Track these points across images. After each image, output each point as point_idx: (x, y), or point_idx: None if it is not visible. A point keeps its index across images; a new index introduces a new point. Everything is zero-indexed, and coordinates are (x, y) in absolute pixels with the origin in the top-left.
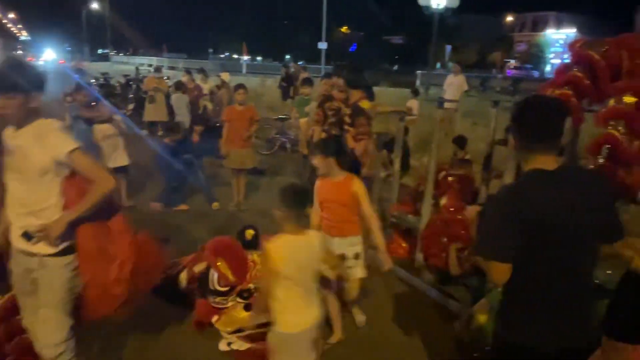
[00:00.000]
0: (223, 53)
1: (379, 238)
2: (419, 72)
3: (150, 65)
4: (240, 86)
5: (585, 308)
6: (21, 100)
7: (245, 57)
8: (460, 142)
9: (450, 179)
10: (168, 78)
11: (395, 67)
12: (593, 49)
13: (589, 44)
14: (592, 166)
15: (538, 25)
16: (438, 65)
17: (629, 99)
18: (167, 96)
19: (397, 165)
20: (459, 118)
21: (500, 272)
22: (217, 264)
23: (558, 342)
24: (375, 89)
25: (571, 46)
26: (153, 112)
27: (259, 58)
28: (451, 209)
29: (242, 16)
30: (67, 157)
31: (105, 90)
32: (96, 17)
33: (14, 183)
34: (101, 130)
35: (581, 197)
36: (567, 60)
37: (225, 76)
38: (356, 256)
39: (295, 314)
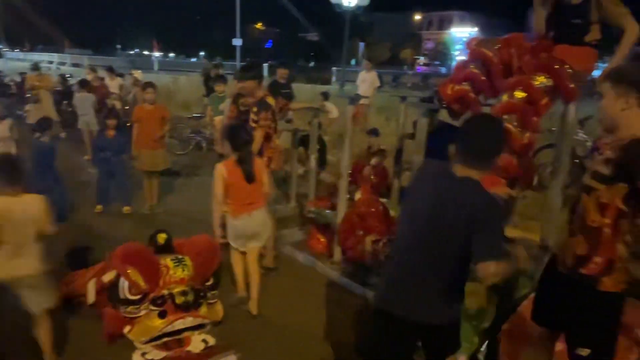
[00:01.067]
0: (132, 49)
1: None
2: (334, 68)
3: (50, 62)
4: (148, 84)
5: (436, 288)
6: None
7: (157, 54)
8: (375, 132)
9: (366, 170)
10: (71, 76)
11: (312, 64)
12: (487, 47)
13: (483, 42)
14: None
15: (444, 24)
16: (353, 61)
17: (519, 94)
18: (65, 94)
19: (312, 161)
20: (373, 113)
21: None
22: (127, 271)
23: (405, 312)
24: (293, 85)
25: (468, 44)
26: (38, 113)
27: (171, 54)
28: (366, 203)
29: (153, 10)
30: None
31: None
32: None
33: None
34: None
35: (455, 203)
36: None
37: (138, 74)
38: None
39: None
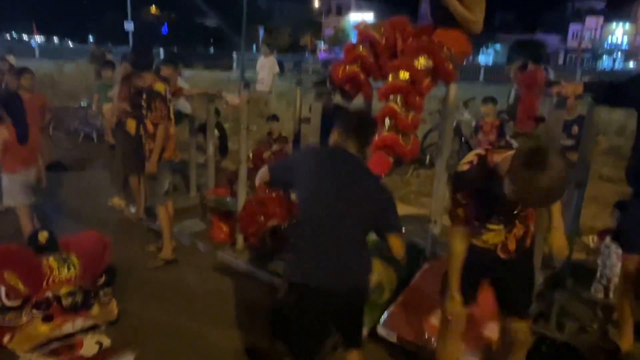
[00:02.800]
0: (8, 32)
1: None
2: (234, 53)
3: None
4: (24, 70)
5: (344, 260)
6: None
7: (38, 38)
8: (275, 118)
9: (266, 156)
10: None
11: (211, 50)
12: (374, 30)
13: (371, 25)
14: (377, 136)
15: (342, 10)
16: (254, 47)
17: (403, 75)
18: None
19: (210, 149)
20: (273, 99)
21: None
22: (4, 276)
23: (319, 282)
24: (191, 72)
25: (357, 27)
26: None
27: (55, 39)
28: (265, 188)
29: None
30: None
31: None
32: None
33: None
34: None
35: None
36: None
37: (12, 59)
38: None
39: None
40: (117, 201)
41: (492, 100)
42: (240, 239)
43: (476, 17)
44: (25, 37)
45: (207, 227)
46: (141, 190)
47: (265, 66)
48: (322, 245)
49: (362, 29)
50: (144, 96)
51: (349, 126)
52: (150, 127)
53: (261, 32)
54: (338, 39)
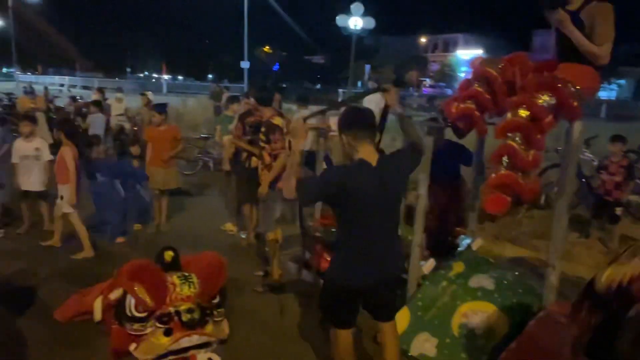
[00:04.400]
0: (142, 72)
1: None
2: (340, 90)
3: (61, 85)
4: (157, 106)
5: (386, 255)
6: None
7: (166, 76)
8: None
9: None
10: (81, 98)
11: (318, 86)
12: (490, 66)
13: (487, 61)
14: (494, 175)
15: (449, 46)
16: (359, 84)
17: (523, 113)
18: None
19: None
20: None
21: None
22: (134, 288)
23: (364, 281)
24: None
25: (472, 64)
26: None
27: (180, 77)
28: None
29: (163, 34)
30: None
31: (11, 111)
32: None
33: None
34: (19, 149)
35: (386, 175)
36: (469, 77)
37: (149, 95)
38: None
39: None
40: (229, 226)
41: (621, 138)
42: None
43: (604, 51)
44: (155, 75)
45: (311, 256)
46: (253, 218)
47: (372, 102)
48: (371, 245)
49: (477, 65)
50: (263, 129)
51: (364, 129)
52: (267, 157)
53: (367, 68)
54: (444, 75)
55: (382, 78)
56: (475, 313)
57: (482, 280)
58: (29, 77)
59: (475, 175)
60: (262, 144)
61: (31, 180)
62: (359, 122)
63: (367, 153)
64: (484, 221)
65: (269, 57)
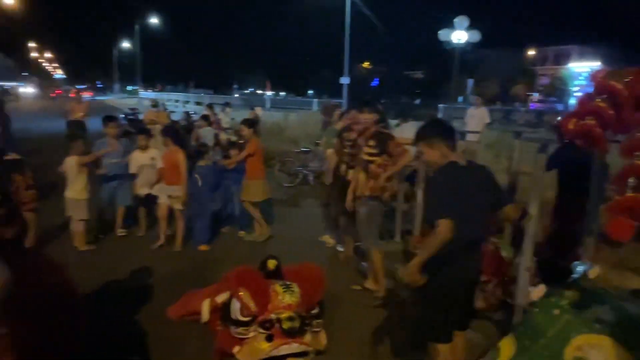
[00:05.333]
0: (247, 89)
1: None
2: (441, 105)
3: (177, 101)
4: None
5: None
6: None
7: (269, 92)
8: None
9: None
10: (195, 113)
11: (417, 101)
12: (616, 79)
13: (611, 74)
14: (618, 197)
15: (560, 59)
16: (460, 98)
17: None
18: (189, 129)
19: (419, 196)
20: (482, 150)
21: (450, 229)
22: (240, 293)
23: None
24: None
25: (594, 77)
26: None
27: (282, 93)
28: None
29: (266, 53)
30: None
31: (135, 124)
32: (127, 55)
33: None
34: (137, 158)
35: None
36: (590, 91)
37: (259, 110)
38: None
39: None
40: (327, 238)
41: None
42: None
43: None
44: (259, 91)
45: None
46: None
47: (476, 116)
48: (470, 242)
49: (600, 79)
50: (373, 141)
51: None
52: (375, 169)
53: (470, 82)
54: (555, 89)
55: (486, 93)
56: (592, 347)
57: (601, 312)
58: (149, 93)
59: (595, 197)
60: (369, 157)
61: (146, 185)
62: (447, 130)
63: (457, 157)
64: (603, 247)
65: (368, 73)
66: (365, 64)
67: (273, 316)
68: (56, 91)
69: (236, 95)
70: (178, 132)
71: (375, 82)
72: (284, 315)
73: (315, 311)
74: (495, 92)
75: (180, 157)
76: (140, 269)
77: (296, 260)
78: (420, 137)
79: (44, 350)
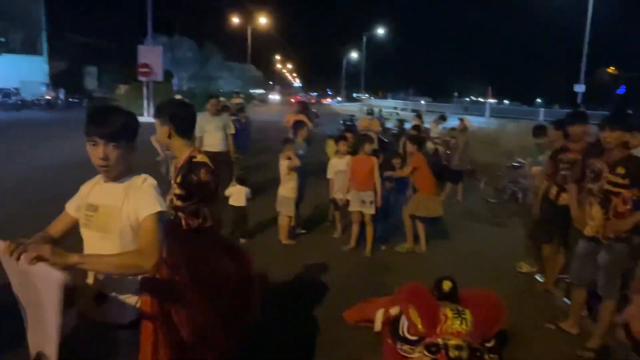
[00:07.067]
0: (467, 96)
1: None
2: None
3: (395, 108)
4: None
5: None
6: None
7: (491, 100)
8: None
9: None
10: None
11: None
12: None
13: None
14: None
15: None
16: None
17: None
18: (397, 137)
19: None
20: None
21: None
22: (409, 310)
23: None
24: None
25: None
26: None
27: (506, 101)
28: None
29: (489, 59)
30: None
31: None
32: (353, 64)
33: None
34: (335, 164)
35: None
36: None
37: (467, 121)
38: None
39: None
40: (525, 265)
41: None
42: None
43: None
44: (480, 99)
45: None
46: (556, 261)
47: None
48: None
49: None
50: (623, 168)
51: None
52: (620, 203)
53: None
54: None
55: None
56: None
57: None
58: (370, 100)
59: None
60: (614, 187)
61: (341, 190)
62: None
63: None
64: None
65: (613, 79)
66: (611, 69)
67: (440, 341)
68: (296, 97)
69: (454, 103)
70: (370, 140)
71: (621, 90)
72: (452, 342)
73: (490, 344)
74: None
75: (374, 163)
76: (327, 268)
77: (478, 284)
78: None
79: (213, 329)
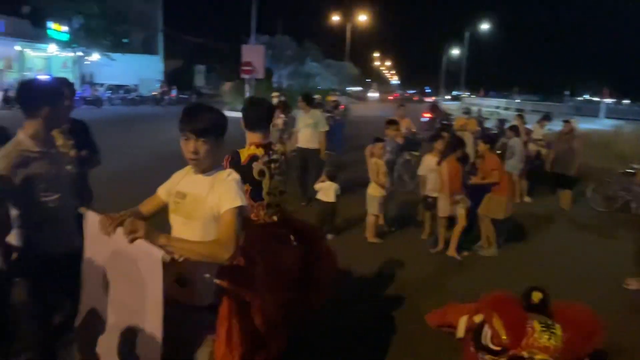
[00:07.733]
0: (581, 95)
1: None
2: None
3: (497, 107)
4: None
5: None
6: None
7: (607, 100)
8: None
9: None
10: (508, 121)
11: None
12: None
13: None
14: None
15: None
16: None
17: None
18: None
19: None
20: None
21: None
22: (493, 319)
23: None
24: None
25: None
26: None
27: (625, 101)
28: None
29: (607, 55)
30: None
31: (446, 129)
32: (453, 61)
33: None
34: (428, 162)
35: None
36: None
37: (573, 122)
38: None
39: None
40: (632, 282)
41: None
42: None
43: None
44: (595, 99)
45: None
46: None
47: None
48: None
49: None
50: None
51: None
52: None
53: None
54: None
55: None
56: None
57: None
58: (471, 99)
59: None
60: None
61: (433, 189)
62: None
63: None
64: None
65: None
66: None
67: (526, 354)
68: (394, 95)
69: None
70: (460, 141)
71: None
72: (538, 357)
73: None
74: None
75: (458, 166)
76: (411, 268)
77: (575, 299)
78: None
79: (280, 320)
